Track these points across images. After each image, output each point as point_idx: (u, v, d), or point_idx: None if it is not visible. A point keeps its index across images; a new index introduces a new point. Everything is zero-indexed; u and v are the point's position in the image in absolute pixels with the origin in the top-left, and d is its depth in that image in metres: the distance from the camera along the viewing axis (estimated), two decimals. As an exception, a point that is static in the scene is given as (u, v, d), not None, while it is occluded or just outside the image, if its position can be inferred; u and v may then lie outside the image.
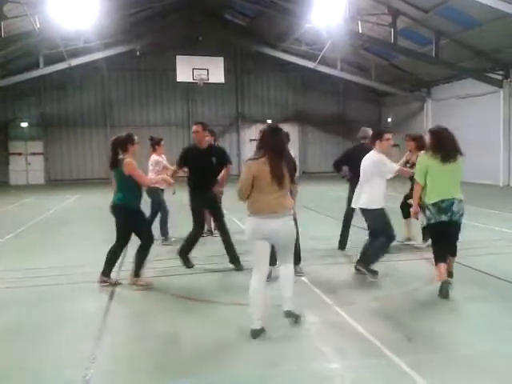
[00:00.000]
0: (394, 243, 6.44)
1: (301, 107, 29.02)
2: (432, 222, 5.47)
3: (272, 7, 21.40)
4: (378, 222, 6.18)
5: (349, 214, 7.70)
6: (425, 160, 5.55)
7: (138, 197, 6.10)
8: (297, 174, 4.89)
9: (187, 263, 6.90)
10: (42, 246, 8.87)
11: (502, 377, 3.62)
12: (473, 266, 6.60)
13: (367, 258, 6.18)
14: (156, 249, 7.03)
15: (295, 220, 4.85)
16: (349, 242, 7.84)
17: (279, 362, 3.94)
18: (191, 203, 6.99)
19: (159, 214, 8.71)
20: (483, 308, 5.10)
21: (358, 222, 7.24)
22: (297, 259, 5.91)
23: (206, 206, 7.07)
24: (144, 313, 5.22)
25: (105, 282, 6.07)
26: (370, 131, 7.38)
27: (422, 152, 6.03)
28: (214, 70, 23.09)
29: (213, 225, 8.80)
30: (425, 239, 7.76)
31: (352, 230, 7.86)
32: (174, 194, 8.50)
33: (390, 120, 28.00)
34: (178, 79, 23.16)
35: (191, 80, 23.12)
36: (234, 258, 6.80)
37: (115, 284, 6.07)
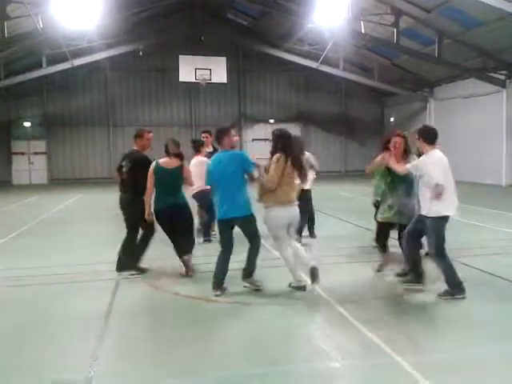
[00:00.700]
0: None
1: (303, 107, 29.01)
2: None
3: (275, 7, 21.40)
4: None
5: None
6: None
7: None
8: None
9: None
10: (44, 246, 8.88)
11: (504, 377, 3.62)
12: (475, 266, 6.59)
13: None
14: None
15: None
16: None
17: (280, 360, 3.95)
18: None
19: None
20: (486, 308, 5.10)
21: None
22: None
23: None
24: (146, 312, 5.23)
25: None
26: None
27: None
28: (217, 70, 23.09)
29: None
30: None
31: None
32: None
33: (392, 120, 27.97)
34: (181, 79, 23.17)
35: (194, 80, 23.11)
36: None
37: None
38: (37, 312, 5.25)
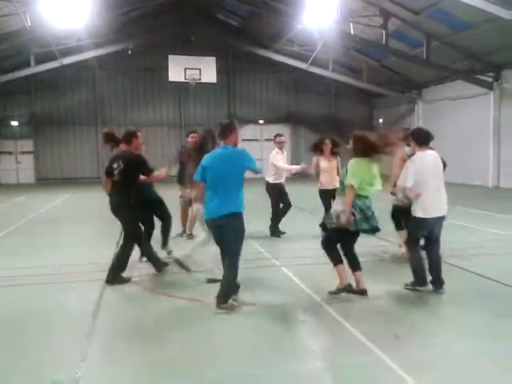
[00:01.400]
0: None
1: (293, 108, 29.06)
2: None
3: (264, 8, 21.42)
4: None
5: None
6: (361, 165, 5.40)
7: None
8: None
9: None
10: (32, 246, 8.82)
11: (487, 375, 3.67)
12: (462, 266, 6.66)
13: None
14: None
15: None
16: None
17: (270, 361, 3.96)
18: None
19: None
20: (473, 308, 5.16)
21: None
22: None
23: None
24: (135, 312, 5.22)
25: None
26: None
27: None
28: (206, 70, 23.07)
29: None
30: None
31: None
32: None
33: (381, 121, 28.15)
34: (170, 79, 23.10)
35: (183, 80, 23.06)
36: None
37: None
38: (24, 312, 5.22)
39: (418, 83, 24.37)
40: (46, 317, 5.05)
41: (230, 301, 5.10)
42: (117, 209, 6.32)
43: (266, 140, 26.77)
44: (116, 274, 6.17)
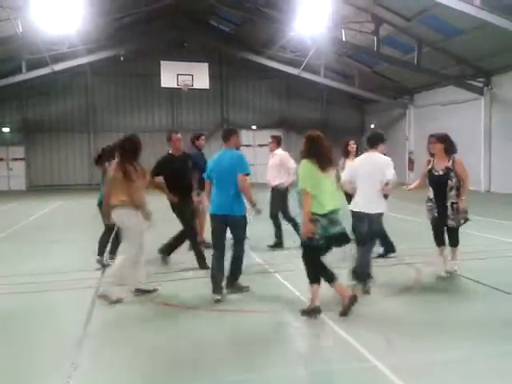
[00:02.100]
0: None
1: (285, 113, 29.13)
2: (326, 234, 4.91)
3: (257, 14, 21.49)
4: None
5: None
6: (307, 169, 5.03)
7: None
8: None
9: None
10: (22, 253, 8.74)
11: (482, 380, 3.67)
12: (456, 271, 6.66)
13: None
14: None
15: None
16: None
17: (262, 366, 3.94)
18: None
19: None
20: (465, 312, 5.17)
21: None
22: None
23: None
24: (126, 319, 5.18)
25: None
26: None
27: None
28: (199, 76, 23.09)
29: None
30: None
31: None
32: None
33: (372, 126, 28.21)
34: (163, 85, 23.10)
35: (176, 86, 23.07)
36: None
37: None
38: (14, 320, 5.16)
39: (409, 89, 24.53)
40: (37, 324, 5.00)
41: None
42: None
43: (259, 146, 26.83)
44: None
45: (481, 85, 19.56)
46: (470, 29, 16.54)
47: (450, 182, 6.19)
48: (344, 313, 4.91)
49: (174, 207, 7.17)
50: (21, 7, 16.45)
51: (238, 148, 6.03)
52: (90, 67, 25.19)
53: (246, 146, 27.11)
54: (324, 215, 4.85)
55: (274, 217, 8.58)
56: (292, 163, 8.55)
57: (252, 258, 7.74)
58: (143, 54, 25.21)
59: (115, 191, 5.60)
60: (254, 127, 28.18)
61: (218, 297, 5.51)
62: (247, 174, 5.69)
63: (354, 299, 4.99)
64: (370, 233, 5.80)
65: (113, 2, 20.01)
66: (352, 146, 8.53)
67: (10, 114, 25.92)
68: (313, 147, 5.16)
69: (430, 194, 6.42)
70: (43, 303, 5.70)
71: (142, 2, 21.42)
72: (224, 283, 5.69)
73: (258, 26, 23.04)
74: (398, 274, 6.63)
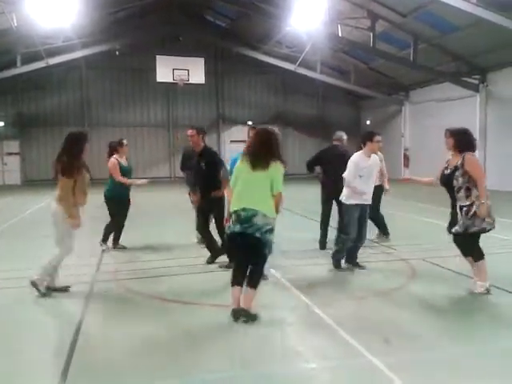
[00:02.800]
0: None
1: (281, 109, 29.13)
2: (228, 232, 4.88)
3: (253, 9, 21.45)
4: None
5: (327, 214, 7.89)
6: (238, 164, 4.92)
7: None
8: None
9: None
10: (17, 248, 8.72)
11: (478, 377, 3.69)
12: (449, 267, 6.69)
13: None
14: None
15: None
16: (328, 242, 7.90)
17: (256, 362, 3.95)
18: None
19: None
20: (460, 309, 5.20)
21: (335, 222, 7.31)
22: None
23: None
24: (119, 315, 5.17)
25: None
26: (344, 134, 7.97)
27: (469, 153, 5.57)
28: (195, 71, 23.03)
29: None
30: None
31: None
32: None
33: (368, 123, 28.27)
34: (158, 79, 23.03)
35: (171, 80, 23.01)
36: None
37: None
38: (7, 317, 5.14)
39: (405, 85, 24.56)
40: (29, 322, 4.97)
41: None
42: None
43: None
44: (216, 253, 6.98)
45: (476, 82, 19.61)
46: (465, 25, 16.57)
47: (455, 181, 5.54)
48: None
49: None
50: (15, 1, 16.35)
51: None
52: (85, 61, 25.09)
53: (242, 141, 27.10)
54: (234, 212, 4.76)
55: None
56: None
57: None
58: (138, 48, 25.12)
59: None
60: (249, 123, 28.13)
61: None
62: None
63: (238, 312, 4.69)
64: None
65: (108, -5, 19.94)
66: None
67: (5, 108, 25.79)
68: (249, 145, 4.92)
69: None
70: (37, 299, 5.68)
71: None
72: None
73: (254, 21, 23.00)
74: (394, 272, 6.65)
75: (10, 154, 26.14)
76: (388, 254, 7.73)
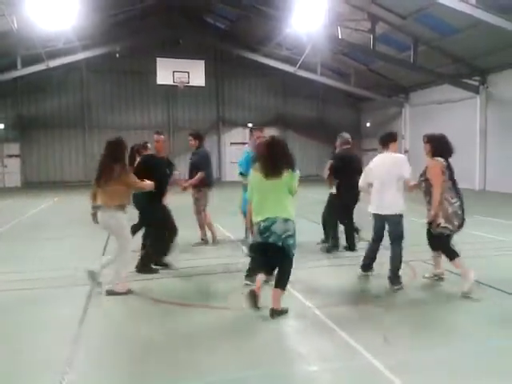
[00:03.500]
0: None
1: (281, 111, 29.15)
2: (252, 243, 5.22)
3: (253, 12, 21.49)
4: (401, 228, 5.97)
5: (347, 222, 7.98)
6: (252, 174, 5.08)
7: None
8: None
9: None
10: (17, 250, 8.70)
11: (477, 378, 3.69)
12: (449, 269, 6.68)
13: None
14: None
15: None
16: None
17: (258, 364, 3.94)
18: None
19: None
20: (459, 310, 5.20)
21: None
22: None
23: None
24: (121, 316, 5.18)
25: None
26: (349, 137, 7.93)
27: (436, 158, 5.69)
28: (195, 73, 23.06)
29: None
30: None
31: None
32: None
33: (368, 125, 28.31)
34: (159, 82, 23.06)
35: (171, 83, 23.04)
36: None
37: None
38: (10, 318, 5.15)
39: (405, 87, 24.59)
40: (32, 323, 4.98)
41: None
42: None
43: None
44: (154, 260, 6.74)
45: (476, 83, 19.64)
46: (465, 27, 16.60)
47: (422, 185, 5.86)
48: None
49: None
50: (16, 3, 16.37)
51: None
52: (86, 64, 25.14)
53: (242, 143, 27.12)
54: (255, 223, 4.95)
55: None
56: None
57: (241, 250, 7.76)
58: (139, 50, 25.17)
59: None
60: (249, 125, 28.14)
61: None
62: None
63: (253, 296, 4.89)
64: (390, 234, 5.92)
65: (108, -2, 19.98)
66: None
67: (5, 110, 25.80)
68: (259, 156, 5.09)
69: None
70: (38, 300, 5.69)
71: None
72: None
73: (254, 23, 23.03)
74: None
75: (11, 156, 26.14)
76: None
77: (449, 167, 5.76)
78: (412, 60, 19.39)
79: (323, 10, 17.84)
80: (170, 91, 26.41)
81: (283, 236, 4.80)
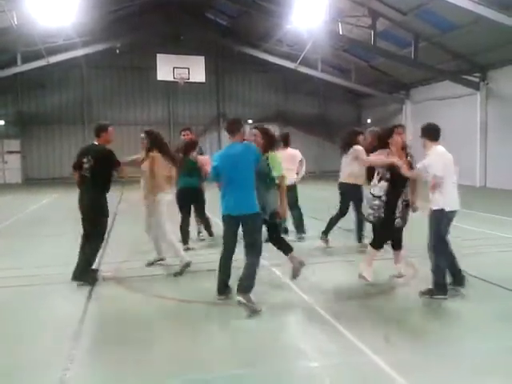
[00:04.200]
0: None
1: (282, 108, 29.09)
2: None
3: (254, 7, 21.41)
4: None
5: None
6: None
7: None
8: None
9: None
10: (16, 247, 8.71)
11: (479, 375, 3.69)
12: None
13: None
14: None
15: None
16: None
17: (259, 361, 3.95)
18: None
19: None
20: (461, 307, 5.19)
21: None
22: None
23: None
24: (122, 314, 5.17)
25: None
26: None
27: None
28: (195, 69, 23.00)
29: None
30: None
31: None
32: None
33: (369, 121, 28.23)
34: (159, 78, 23.01)
35: (172, 79, 22.98)
36: None
37: None
38: (10, 314, 5.16)
39: (405, 83, 24.53)
40: (33, 319, 4.98)
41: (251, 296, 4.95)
42: (84, 204, 6.27)
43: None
44: (83, 272, 6.06)
45: (477, 80, 19.58)
46: (466, 23, 16.54)
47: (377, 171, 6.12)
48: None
49: None
50: (16, -1, 16.34)
51: (242, 140, 5.54)
52: (86, 60, 25.06)
53: (243, 140, 27.08)
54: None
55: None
56: None
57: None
58: (139, 47, 25.10)
59: None
60: (250, 121, 28.10)
61: (221, 297, 5.36)
62: None
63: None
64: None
65: (108, -6, 19.92)
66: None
67: (5, 106, 25.78)
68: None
69: None
70: (39, 297, 5.70)
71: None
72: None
73: (255, 19, 22.96)
74: (395, 271, 6.64)
75: (11, 152, 26.11)
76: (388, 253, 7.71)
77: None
78: (413, 56, 19.33)
79: (324, 6, 17.78)
80: (171, 87, 26.36)
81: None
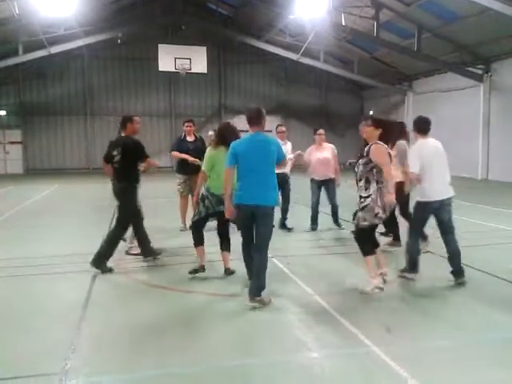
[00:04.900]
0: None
1: (284, 99, 28.98)
2: (210, 212, 5.83)
3: (256, -3, 21.31)
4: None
5: None
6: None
7: None
8: None
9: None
10: (20, 236, 8.74)
11: (480, 367, 3.70)
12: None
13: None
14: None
15: None
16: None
17: (260, 352, 3.97)
18: None
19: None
20: (461, 300, 5.20)
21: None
22: None
23: None
24: (125, 303, 5.20)
25: None
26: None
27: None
28: (197, 60, 22.90)
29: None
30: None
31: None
32: None
33: (371, 113, 28.13)
34: (161, 68, 22.91)
35: (173, 69, 22.89)
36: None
37: None
38: (11, 303, 5.18)
39: (408, 75, 24.42)
40: (35, 308, 5.01)
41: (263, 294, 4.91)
42: (118, 194, 6.46)
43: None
44: (102, 260, 6.14)
45: (480, 71, 19.48)
46: (469, 15, 16.44)
47: (356, 169, 5.44)
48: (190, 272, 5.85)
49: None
50: (17, -12, 16.25)
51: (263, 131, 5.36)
52: (87, 50, 25.00)
53: (244, 131, 27.02)
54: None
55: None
56: None
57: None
58: (140, 37, 25.01)
59: None
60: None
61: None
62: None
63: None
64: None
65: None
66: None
67: (7, 96, 25.72)
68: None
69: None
70: (40, 287, 5.72)
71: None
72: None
73: (257, 10, 22.85)
74: (396, 261, 6.65)
75: (13, 142, 26.09)
76: (388, 244, 7.72)
77: None
78: (416, 48, 19.23)
79: (327, -4, 17.68)
80: (172, 78, 26.27)
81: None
